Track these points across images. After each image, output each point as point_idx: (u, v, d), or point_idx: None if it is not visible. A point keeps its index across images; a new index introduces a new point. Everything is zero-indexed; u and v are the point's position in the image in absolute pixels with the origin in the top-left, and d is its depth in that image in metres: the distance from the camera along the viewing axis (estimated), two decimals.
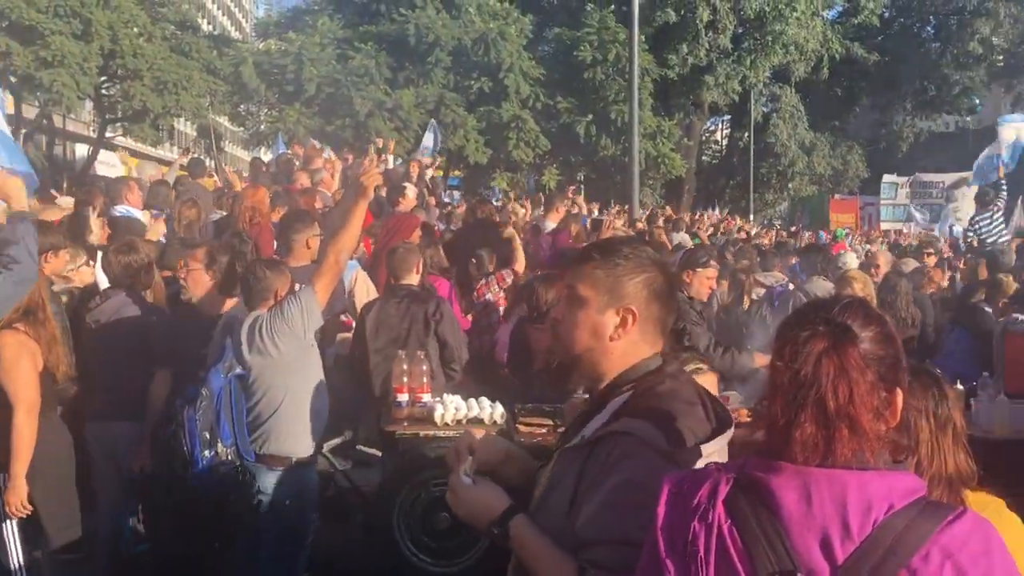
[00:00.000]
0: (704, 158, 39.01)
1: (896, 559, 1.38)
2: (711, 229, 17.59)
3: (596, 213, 15.42)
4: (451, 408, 5.19)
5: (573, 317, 1.95)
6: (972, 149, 24.18)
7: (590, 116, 24.64)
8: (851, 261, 8.92)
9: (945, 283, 9.60)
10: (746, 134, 34.23)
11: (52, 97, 19.75)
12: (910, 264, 10.01)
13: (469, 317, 7.69)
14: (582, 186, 25.26)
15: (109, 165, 18.69)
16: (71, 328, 4.73)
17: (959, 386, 4.74)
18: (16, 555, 4.03)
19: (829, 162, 35.70)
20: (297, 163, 12.45)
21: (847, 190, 35.25)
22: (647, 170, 25.37)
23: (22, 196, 3.74)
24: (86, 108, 28.34)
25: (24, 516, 4.00)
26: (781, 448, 1.48)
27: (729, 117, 37.34)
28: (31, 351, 4.03)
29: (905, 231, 22.60)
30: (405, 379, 5.26)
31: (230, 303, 4.83)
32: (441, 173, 19.48)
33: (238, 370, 4.08)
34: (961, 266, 11.62)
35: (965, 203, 18.68)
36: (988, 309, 6.86)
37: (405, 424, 5.22)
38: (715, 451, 1.80)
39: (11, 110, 19.83)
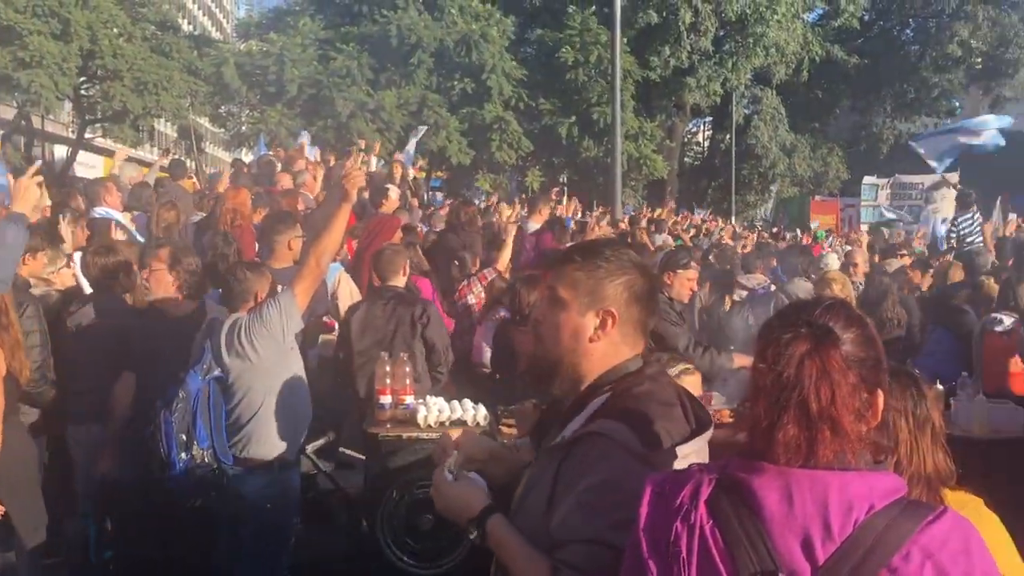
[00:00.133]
0: (686, 160, 39.14)
1: (876, 559, 1.39)
2: (692, 231, 17.62)
3: (579, 215, 15.43)
4: (434, 410, 5.19)
5: (554, 319, 1.96)
6: None
7: (572, 117, 24.71)
8: (833, 263, 8.97)
9: (925, 284, 9.64)
10: (728, 136, 34.32)
11: (31, 98, 19.53)
12: (893, 265, 10.07)
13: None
14: (565, 187, 25.27)
15: (88, 166, 18.53)
16: (51, 331, 4.69)
17: (939, 386, 4.78)
18: None
19: (810, 164, 35.81)
20: (279, 165, 12.37)
21: (828, 192, 35.40)
22: (629, 171, 25.43)
23: (28, 200, 3.71)
24: (65, 109, 28.12)
25: None
26: (764, 449, 1.48)
27: (711, 119, 37.38)
28: None
29: (887, 234, 22.67)
30: (388, 381, 5.25)
31: (192, 305, 4.78)
32: (424, 174, 19.45)
33: (217, 372, 4.04)
34: (933, 264, 11.64)
35: (944, 204, 18.79)
36: (970, 310, 6.90)
37: (388, 426, 5.21)
38: (692, 452, 1.80)
39: None
